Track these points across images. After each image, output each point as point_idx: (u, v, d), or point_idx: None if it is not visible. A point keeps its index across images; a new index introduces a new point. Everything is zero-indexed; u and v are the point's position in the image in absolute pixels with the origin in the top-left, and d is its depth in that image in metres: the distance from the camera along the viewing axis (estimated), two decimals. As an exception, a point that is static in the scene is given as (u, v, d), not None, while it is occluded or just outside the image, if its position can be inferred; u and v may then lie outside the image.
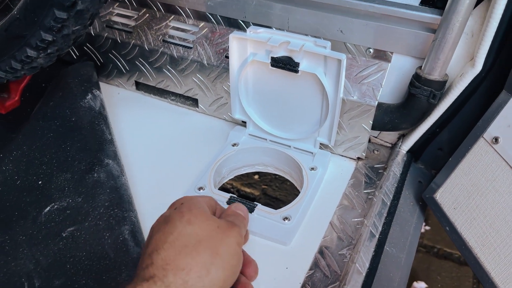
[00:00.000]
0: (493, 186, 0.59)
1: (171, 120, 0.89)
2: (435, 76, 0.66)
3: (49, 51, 0.63)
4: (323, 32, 0.74)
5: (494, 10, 0.58)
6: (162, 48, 0.86)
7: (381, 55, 0.72)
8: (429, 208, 0.71)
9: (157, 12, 0.87)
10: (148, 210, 0.67)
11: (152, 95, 0.94)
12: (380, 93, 0.71)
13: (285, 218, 0.66)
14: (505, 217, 0.58)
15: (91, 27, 0.87)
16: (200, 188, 0.71)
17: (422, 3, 0.68)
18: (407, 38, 0.69)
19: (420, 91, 0.67)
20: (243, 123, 0.83)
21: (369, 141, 0.82)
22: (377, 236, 0.62)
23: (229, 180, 0.81)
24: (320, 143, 0.77)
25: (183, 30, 0.86)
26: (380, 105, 0.73)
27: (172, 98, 0.93)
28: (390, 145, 0.81)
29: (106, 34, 0.90)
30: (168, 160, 0.79)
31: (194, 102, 0.90)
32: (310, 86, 0.71)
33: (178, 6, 0.84)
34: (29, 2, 0.60)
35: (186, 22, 0.85)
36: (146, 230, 0.64)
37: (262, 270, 0.53)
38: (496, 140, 0.59)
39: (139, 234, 0.62)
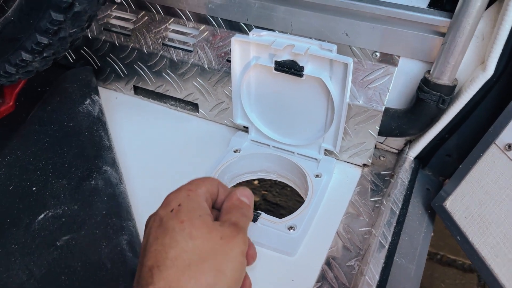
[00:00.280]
0: (507, 194, 0.57)
1: (171, 125, 0.87)
2: (445, 80, 0.64)
3: (45, 54, 0.60)
4: (327, 35, 0.72)
5: (507, 12, 0.56)
6: (161, 52, 0.84)
7: (388, 59, 0.70)
8: (437, 216, 0.69)
9: (156, 15, 0.85)
10: (146, 219, 0.65)
11: (151, 99, 0.92)
12: (387, 98, 0.69)
13: (290, 228, 0.64)
14: (519, 226, 0.56)
15: (88, 29, 0.85)
16: (201, 196, 0.69)
17: (430, 6, 0.66)
18: (415, 41, 0.67)
19: (429, 96, 0.65)
20: (245, 129, 0.81)
21: (375, 147, 0.80)
22: (386, 247, 0.60)
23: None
24: (325, 149, 0.75)
25: (183, 33, 0.83)
26: (387, 110, 0.70)
27: (172, 102, 0.90)
28: (396, 151, 0.79)
29: (104, 37, 0.88)
30: (168, 167, 0.77)
31: (194, 107, 0.88)
32: (314, 90, 0.69)
33: (178, 9, 0.82)
34: (24, 4, 0.58)
35: (186, 25, 0.83)
36: (145, 241, 0.62)
37: (267, 282, 0.51)
38: (509, 147, 0.57)
39: (137, 245, 0.60)
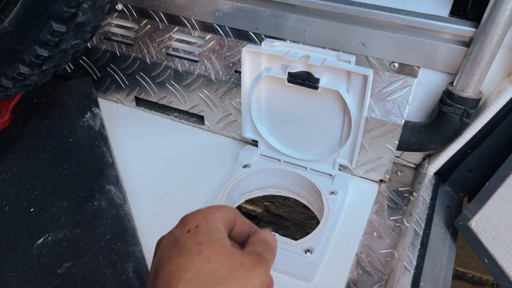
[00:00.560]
0: (540, 216, 0.54)
1: (175, 138, 0.83)
2: (469, 93, 0.61)
3: (44, 67, 0.56)
4: (342, 45, 0.68)
5: (539, 21, 0.53)
6: (165, 62, 0.80)
7: (407, 70, 0.66)
8: (461, 235, 0.65)
9: (159, 23, 0.81)
10: (154, 244, 0.60)
11: (153, 111, 0.88)
12: (406, 111, 0.66)
13: (307, 251, 0.60)
14: (554, 249, 0.52)
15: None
16: (210, 217, 0.65)
17: (451, 14, 0.63)
18: (436, 51, 0.63)
19: (453, 110, 0.61)
20: (254, 142, 0.77)
21: (390, 161, 0.77)
22: (412, 272, 0.56)
23: (239, 204, 0.75)
24: (339, 165, 0.71)
25: (188, 43, 0.79)
26: (406, 124, 0.67)
27: (176, 114, 0.86)
28: (414, 166, 0.76)
29: (104, 46, 0.84)
30: (174, 185, 0.73)
31: (199, 119, 0.84)
32: (330, 103, 0.66)
33: (182, 17, 0.78)
34: (22, 14, 0.53)
35: (191, 34, 0.79)
36: (152, 266, 0.57)
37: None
38: (542, 164, 0.53)
39: (144, 273, 0.55)
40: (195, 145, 0.82)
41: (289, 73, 0.64)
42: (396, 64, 0.66)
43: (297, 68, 0.64)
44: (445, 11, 0.64)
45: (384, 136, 0.67)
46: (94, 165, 0.66)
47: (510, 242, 0.57)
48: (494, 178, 0.59)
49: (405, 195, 0.70)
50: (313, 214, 0.73)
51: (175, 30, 0.80)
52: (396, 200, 0.69)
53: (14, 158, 0.69)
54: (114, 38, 0.84)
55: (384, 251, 0.61)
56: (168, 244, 0.40)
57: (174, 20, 0.79)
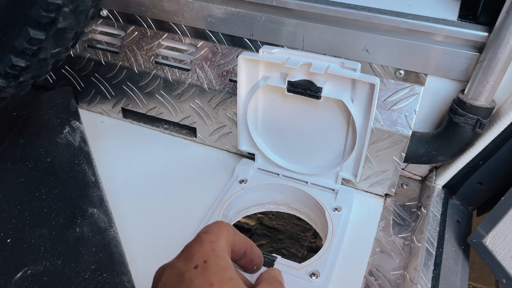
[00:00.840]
0: None
1: (165, 152, 0.78)
2: (482, 102, 0.57)
3: (21, 79, 0.50)
4: (345, 51, 0.64)
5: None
6: (154, 71, 0.75)
7: (413, 77, 0.62)
8: (474, 252, 0.61)
9: (147, 30, 0.76)
10: (144, 271, 0.54)
11: (142, 123, 0.83)
12: (413, 121, 0.62)
13: (312, 274, 0.55)
14: None
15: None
16: (206, 238, 0.59)
17: (460, 18, 0.59)
18: (444, 58, 0.59)
19: (465, 120, 0.58)
20: (250, 155, 0.73)
21: (394, 173, 0.72)
22: (427, 296, 0.52)
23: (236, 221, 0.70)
24: (342, 179, 0.67)
25: (178, 50, 0.74)
26: (413, 135, 0.63)
27: (166, 126, 0.81)
28: (420, 178, 0.72)
29: (88, 55, 0.78)
30: (165, 203, 0.67)
31: (191, 131, 0.79)
32: (333, 113, 0.61)
33: (172, 23, 0.73)
34: (-5, 19, 0.48)
35: (182, 41, 0.74)
36: (143, 297, 0.52)
37: None
38: None
39: (135, 305, 0.50)
40: (187, 159, 0.76)
41: (289, 82, 0.59)
42: (402, 72, 0.62)
43: (298, 76, 0.59)
44: (453, 15, 0.60)
45: (390, 148, 0.63)
46: (74, 186, 0.60)
47: (531, 261, 0.53)
48: (509, 194, 0.55)
49: (412, 210, 0.66)
50: (308, 225, 0.69)
51: (164, 37, 0.75)
52: (404, 216, 0.65)
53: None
54: (98, 46, 0.79)
55: (395, 272, 0.57)
56: (171, 280, 0.35)
57: (163, 27, 0.74)
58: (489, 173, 0.64)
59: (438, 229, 0.61)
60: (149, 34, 0.76)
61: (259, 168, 0.71)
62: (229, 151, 0.77)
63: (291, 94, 0.60)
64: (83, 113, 0.83)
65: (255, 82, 0.63)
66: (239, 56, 0.60)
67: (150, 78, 0.75)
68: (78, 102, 0.84)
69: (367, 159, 0.65)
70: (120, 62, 0.77)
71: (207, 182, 0.71)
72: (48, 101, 0.73)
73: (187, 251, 0.37)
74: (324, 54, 0.65)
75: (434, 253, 0.57)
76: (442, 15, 0.60)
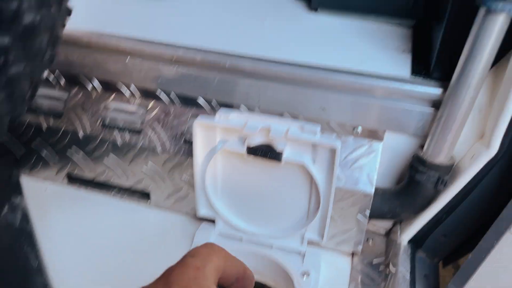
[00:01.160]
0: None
1: (117, 219, 0.72)
2: (441, 159, 0.57)
3: None
4: (301, 110, 0.63)
5: None
6: (102, 134, 0.70)
7: (372, 134, 0.62)
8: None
9: (93, 91, 0.71)
10: None
11: (89, 189, 0.77)
12: (375, 178, 0.61)
13: None
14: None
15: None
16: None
17: (414, 73, 0.60)
18: (401, 114, 0.59)
19: (426, 177, 0.57)
20: (211, 219, 0.69)
21: (359, 228, 0.71)
22: None
23: None
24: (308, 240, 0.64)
25: (128, 112, 0.70)
26: (376, 191, 0.62)
27: (116, 191, 0.76)
28: (384, 232, 0.71)
29: (29, 119, 0.73)
30: (119, 279, 0.62)
31: (145, 195, 0.74)
32: (294, 175, 0.59)
33: (120, 82, 0.69)
34: None
35: (131, 102, 0.70)
36: None
37: None
38: (528, 234, 0.50)
39: None
40: (141, 226, 0.71)
41: (249, 147, 0.57)
42: (360, 129, 0.62)
43: (257, 140, 0.57)
44: (406, 70, 0.61)
45: (354, 206, 0.62)
46: (15, 273, 0.54)
47: (504, 320, 0.52)
48: (478, 250, 0.55)
49: (380, 269, 0.64)
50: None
51: (112, 98, 0.71)
52: (373, 275, 0.63)
53: None
54: (40, 110, 0.73)
55: None
56: None
57: (110, 87, 0.70)
58: (453, 226, 0.63)
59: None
60: (94, 96, 0.71)
61: (220, 234, 0.67)
62: (187, 216, 0.73)
63: (252, 156, 0.58)
64: (25, 180, 0.76)
65: (212, 146, 0.60)
66: (194, 122, 0.57)
67: (97, 142, 0.70)
68: (20, 169, 0.77)
69: (331, 218, 0.63)
70: (64, 126, 0.71)
71: (165, 250, 0.66)
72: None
73: (167, 277, 0.33)
74: (281, 114, 0.64)
75: (407, 317, 0.55)
76: (395, 70, 0.60)
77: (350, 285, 0.62)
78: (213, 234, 0.67)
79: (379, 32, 0.72)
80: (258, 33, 0.71)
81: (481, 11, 0.48)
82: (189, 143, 0.67)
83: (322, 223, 0.61)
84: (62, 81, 0.72)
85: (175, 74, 0.66)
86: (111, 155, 0.71)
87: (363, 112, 0.61)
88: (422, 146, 0.59)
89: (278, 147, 0.56)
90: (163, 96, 0.68)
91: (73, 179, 0.76)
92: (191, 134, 0.66)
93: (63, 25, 0.47)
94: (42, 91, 0.73)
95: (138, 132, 0.69)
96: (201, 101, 0.67)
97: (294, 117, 0.63)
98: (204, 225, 0.69)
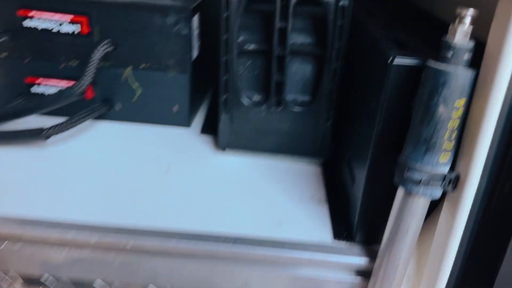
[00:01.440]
0: None
1: None
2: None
3: None
4: (222, 287, 0.55)
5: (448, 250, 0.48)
6: None
7: (301, 305, 0.56)
8: None
9: (-41, 283, 0.57)
10: None
11: None
12: None
13: None
14: None
15: None
16: None
17: (336, 237, 0.56)
18: (327, 284, 0.55)
19: None
20: None
21: None
22: None
23: None
24: None
25: (7, 306, 0.57)
26: None
27: None
28: None
29: None
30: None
31: None
32: None
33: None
34: None
35: (11, 293, 0.57)
36: None
37: None
38: None
39: None
40: None
41: None
42: (288, 300, 0.56)
43: None
44: (327, 233, 0.57)
45: None
46: None
47: None
48: None
49: None
50: None
51: (-15, 290, 0.57)
52: None
53: None
54: None
55: None
56: None
57: (-18, 277, 0.57)
58: None
59: None
60: (-39, 291, 0.57)
61: None
62: None
63: None
64: None
65: None
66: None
67: None
68: None
69: None
70: None
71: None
72: None
73: None
74: (198, 292, 0.55)
75: None
76: (316, 234, 0.56)
77: None
78: None
79: (291, 174, 0.69)
80: (162, 190, 0.63)
81: (400, 191, 0.46)
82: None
83: None
84: None
85: (66, 257, 0.55)
86: None
87: (289, 285, 0.55)
88: (355, 316, 0.55)
89: None
90: (50, 282, 0.57)
91: None
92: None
93: None
94: None
95: (21, 330, 0.56)
96: (98, 283, 0.56)
97: (213, 295, 0.55)
98: None
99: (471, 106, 0.42)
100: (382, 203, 0.50)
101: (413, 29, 0.60)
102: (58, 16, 0.72)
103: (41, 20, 0.72)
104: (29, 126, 0.70)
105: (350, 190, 0.59)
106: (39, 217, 0.56)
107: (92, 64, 0.70)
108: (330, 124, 0.68)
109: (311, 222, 0.58)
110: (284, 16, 0.62)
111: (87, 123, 0.77)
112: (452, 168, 0.44)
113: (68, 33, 0.73)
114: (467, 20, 0.40)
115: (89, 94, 0.77)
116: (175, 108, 0.79)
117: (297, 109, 0.68)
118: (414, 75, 0.45)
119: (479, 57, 0.41)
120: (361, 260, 0.53)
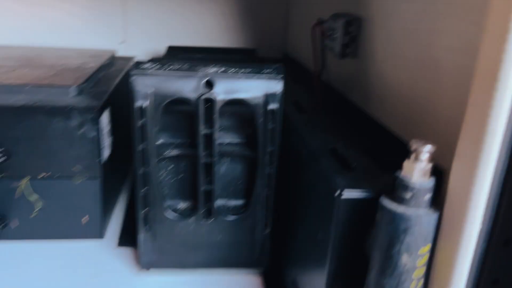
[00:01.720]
0: None
1: None
2: None
3: None
4: None
5: None
6: None
7: None
8: None
9: None
10: None
11: None
12: None
13: None
14: None
15: None
16: None
17: None
18: None
19: None
20: None
21: None
22: None
23: None
24: None
25: None
26: None
27: None
28: None
29: None
30: None
31: None
32: None
33: None
34: None
35: None
36: None
37: None
38: None
39: None
40: None
41: None
42: None
43: None
44: None
45: None
46: None
47: None
48: None
49: None
50: None
51: None
52: None
53: None
54: None
55: None
56: None
57: None
58: None
59: None
60: None
61: None
62: None
63: None
64: None
65: None
66: None
67: None
68: None
69: None
70: None
71: None
72: None
73: None
74: None
75: None
76: None
77: None
78: None
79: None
80: None
81: None
82: None
83: None
84: None
85: None
86: None
87: None
88: None
89: None
90: None
91: None
92: None
93: None
94: None
95: None
96: None
97: None
98: None
99: (437, 249, 0.37)
100: None
101: (349, 132, 0.55)
102: None
103: None
104: None
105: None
106: None
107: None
108: (268, 233, 0.61)
109: None
110: (209, 120, 0.55)
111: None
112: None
113: None
114: (425, 157, 0.35)
115: (-26, 214, 0.63)
116: (85, 219, 0.67)
117: (230, 217, 0.60)
118: (365, 207, 0.39)
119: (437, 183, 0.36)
120: None
